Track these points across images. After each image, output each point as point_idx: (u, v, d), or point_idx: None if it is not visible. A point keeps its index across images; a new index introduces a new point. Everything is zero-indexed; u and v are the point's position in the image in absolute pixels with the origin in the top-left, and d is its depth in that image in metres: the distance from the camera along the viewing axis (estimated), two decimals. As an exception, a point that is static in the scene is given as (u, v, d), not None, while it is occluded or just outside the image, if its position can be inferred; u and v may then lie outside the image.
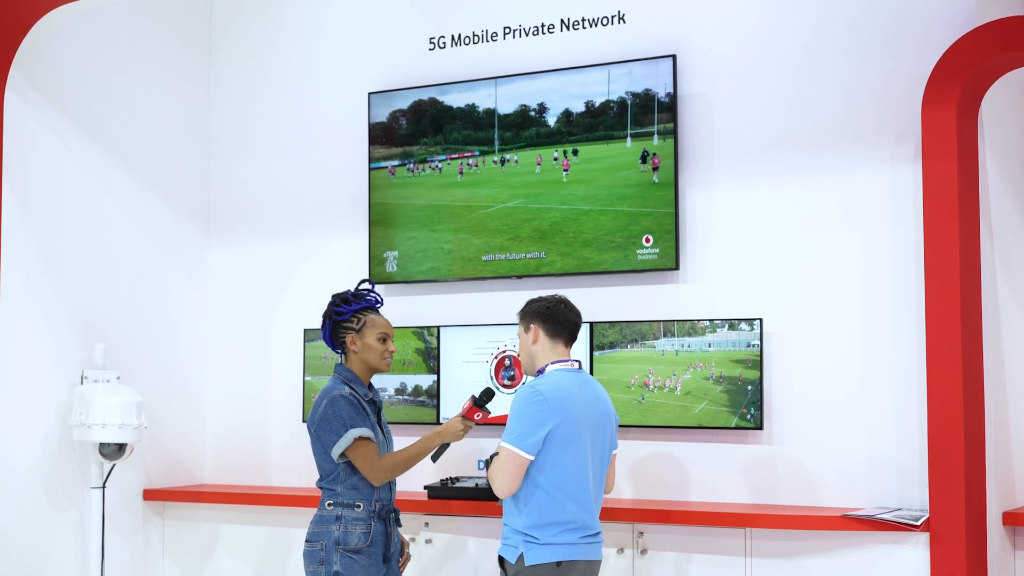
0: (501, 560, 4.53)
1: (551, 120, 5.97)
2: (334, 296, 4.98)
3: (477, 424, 4.93)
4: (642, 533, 5.30)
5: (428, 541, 5.69)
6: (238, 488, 6.47)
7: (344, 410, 4.72)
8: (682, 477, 5.62)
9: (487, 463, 4.64)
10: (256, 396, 6.69)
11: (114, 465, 5.88)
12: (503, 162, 6.09)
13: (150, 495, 6.36)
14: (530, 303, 4.71)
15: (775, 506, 5.36)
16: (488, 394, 4.88)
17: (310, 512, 4.96)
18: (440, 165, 6.21)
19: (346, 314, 4.90)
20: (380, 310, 5.02)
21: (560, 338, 4.63)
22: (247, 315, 6.77)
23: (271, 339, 6.68)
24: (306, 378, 6.40)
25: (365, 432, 4.71)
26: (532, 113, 6.02)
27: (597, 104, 5.87)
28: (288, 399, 6.56)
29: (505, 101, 6.07)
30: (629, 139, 5.80)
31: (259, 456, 6.64)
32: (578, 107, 5.92)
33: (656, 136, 5.72)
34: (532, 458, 4.39)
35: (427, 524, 5.70)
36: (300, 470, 6.33)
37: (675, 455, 5.64)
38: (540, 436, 4.39)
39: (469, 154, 6.17)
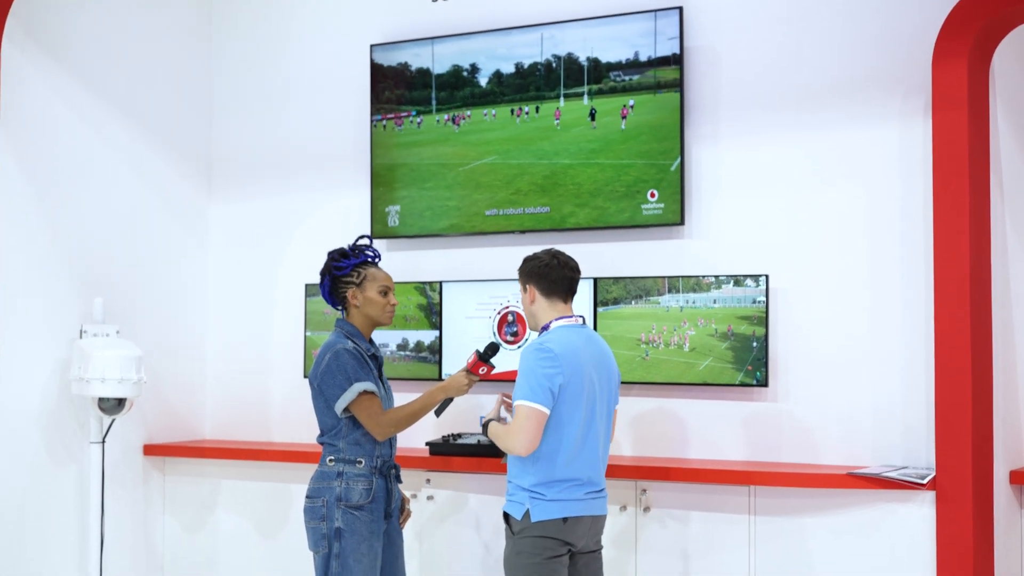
0: (506, 516, 4.51)
1: (482, 80, 6.07)
2: (331, 252, 4.94)
3: (481, 379, 4.90)
4: (645, 491, 5.27)
5: (430, 497, 5.66)
6: (239, 443, 6.45)
7: (348, 364, 4.69)
8: (686, 434, 5.59)
9: (484, 426, 4.63)
10: (257, 351, 6.66)
11: (113, 420, 5.84)
12: (454, 120, 6.11)
13: (150, 450, 6.33)
14: (525, 262, 4.67)
15: (780, 464, 5.33)
16: (493, 348, 4.85)
17: (311, 468, 4.94)
18: (421, 120, 6.19)
19: (346, 268, 4.86)
20: (380, 265, 4.99)
21: (557, 296, 4.60)
22: (248, 270, 6.73)
23: (272, 294, 6.63)
24: (307, 333, 6.36)
25: (369, 386, 4.69)
26: (465, 73, 6.09)
27: (526, 65, 5.97)
28: (289, 354, 6.53)
29: (439, 60, 6.16)
30: (562, 99, 5.85)
31: (260, 411, 6.61)
32: (508, 68, 6.00)
33: (587, 96, 5.79)
34: (549, 412, 4.36)
35: (428, 480, 5.67)
36: (301, 425, 6.29)
37: (679, 412, 5.60)
38: (554, 391, 4.36)
39: (406, 113, 6.21)
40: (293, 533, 5.91)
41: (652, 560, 5.27)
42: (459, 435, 5.76)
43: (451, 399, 4.87)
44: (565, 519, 4.40)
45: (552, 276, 4.57)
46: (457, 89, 6.10)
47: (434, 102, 6.15)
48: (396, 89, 6.23)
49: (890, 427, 5.21)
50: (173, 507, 6.41)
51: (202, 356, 6.76)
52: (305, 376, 6.26)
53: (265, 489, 6.14)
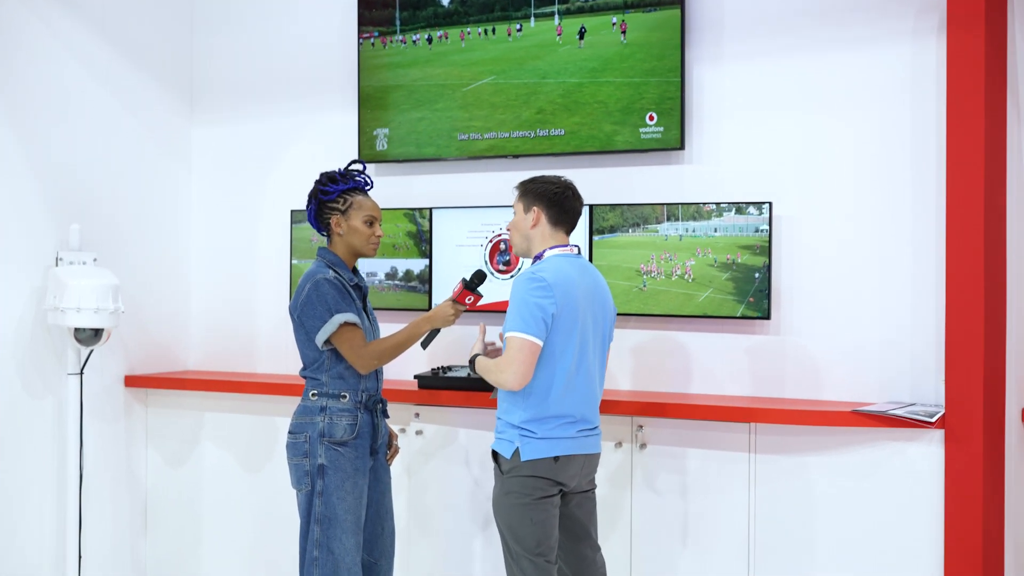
0: (495, 455, 4.38)
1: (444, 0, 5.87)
2: (321, 175, 4.75)
3: (469, 309, 4.72)
4: (641, 427, 5.11)
5: (418, 432, 5.51)
6: (223, 375, 6.30)
7: (329, 294, 4.52)
8: (684, 369, 5.42)
9: (471, 362, 4.47)
10: (242, 279, 6.48)
11: (92, 351, 5.67)
12: (429, 40, 5.90)
13: (132, 382, 6.16)
14: (535, 182, 4.46)
15: (782, 400, 5.15)
16: (479, 276, 4.65)
17: (297, 400, 4.78)
18: (418, 38, 5.95)
19: (332, 194, 4.68)
20: (369, 193, 4.79)
21: (562, 226, 4.43)
22: (232, 195, 6.52)
23: (257, 220, 6.44)
24: (293, 261, 6.17)
25: (351, 317, 4.52)
26: None
27: None
28: (275, 283, 6.35)
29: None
30: (532, 19, 5.64)
31: (245, 342, 6.45)
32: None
33: (557, 16, 5.59)
34: (542, 344, 4.18)
35: (417, 415, 5.50)
36: (287, 356, 6.14)
37: (678, 345, 5.42)
38: (547, 322, 4.19)
39: (367, 35, 6.01)
40: (278, 467, 5.76)
41: (648, 499, 5.12)
42: (449, 368, 5.58)
43: (437, 330, 4.69)
44: (556, 458, 4.27)
45: (566, 205, 4.41)
46: (419, 9, 5.88)
47: (398, 23, 5.93)
48: (359, 8, 6.03)
49: (898, 362, 5.03)
50: (156, 440, 6.26)
51: (185, 284, 6.57)
52: (290, 306, 6.11)
53: (250, 422, 5.99)
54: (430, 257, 5.83)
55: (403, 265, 5.92)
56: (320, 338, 4.53)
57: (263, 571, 5.97)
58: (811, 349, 5.18)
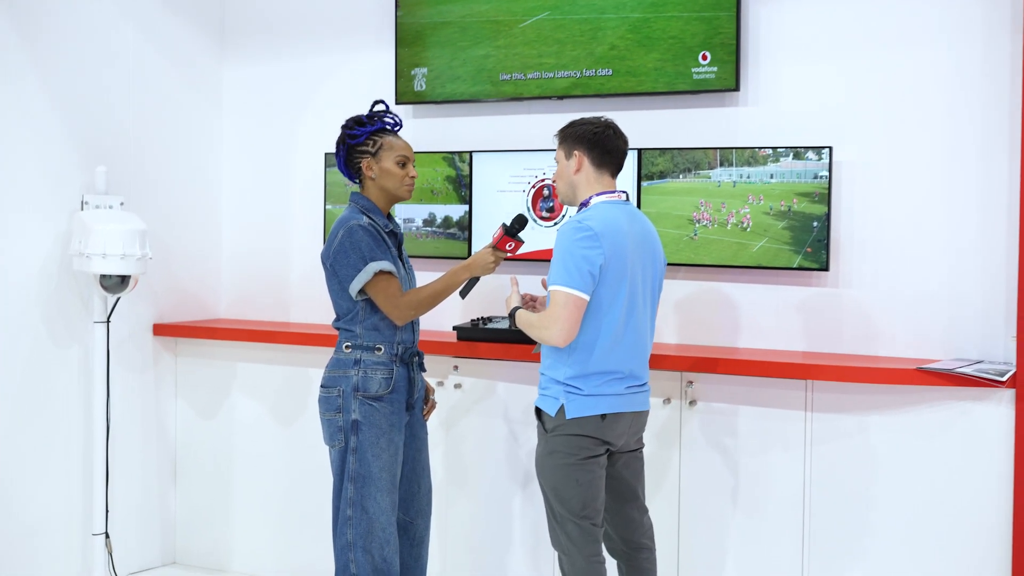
0: (538, 412, 4.18)
1: None
2: (347, 119, 4.56)
3: (510, 257, 4.52)
4: (691, 383, 4.90)
5: (457, 386, 5.31)
6: (255, 324, 6.13)
7: (363, 241, 4.33)
8: (737, 322, 5.20)
9: (510, 316, 4.28)
10: (274, 225, 6.30)
11: (118, 298, 5.50)
12: None
13: (160, 330, 6.00)
14: (573, 126, 4.24)
15: (841, 356, 4.93)
16: (520, 221, 4.43)
17: (331, 352, 4.59)
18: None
19: (360, 136, 4.49)
20: (401, 134, 4.59)
21: (607, 168, 4.20)
22: (264, 137, 6.33)
23: (290, 163, 6.24)
24: (327, 206, 5.96)
25: (386, 266, 4.33)
26: None
27: None
28: (308, 228, 6.17)
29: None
30: None
31: (278, 289, 6.28)
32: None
33: None
34: (588, 298, 3.98)
35: (456, 368, 5.31)
36: (321, 306, 5.90)
37: (730, 298, 5.20)
38: (594, 275, 3.97)
39: None
40: (311, 420, 5.54)
41: (697, 458, 4.93)
42: (489, 319, 5.37)
43: (477, 278, 4.49)
44: (603, 416, 4.07)
45: (608, 145, 4.18)
46: None
47: None
48: None
49: (965, 317, 4.78)
50: (185, 390, 6.12)
51: (215, 230, 6.39)
52: (325, 253, 5.93)
53: (283, 373, 5.84)
54: (470, 203, 5.62)
55: (442, 211, 5.70)
56: (354, 288, 4.35)
57: (295, 528, 5.83)
58: (872, 302, 4.95)
